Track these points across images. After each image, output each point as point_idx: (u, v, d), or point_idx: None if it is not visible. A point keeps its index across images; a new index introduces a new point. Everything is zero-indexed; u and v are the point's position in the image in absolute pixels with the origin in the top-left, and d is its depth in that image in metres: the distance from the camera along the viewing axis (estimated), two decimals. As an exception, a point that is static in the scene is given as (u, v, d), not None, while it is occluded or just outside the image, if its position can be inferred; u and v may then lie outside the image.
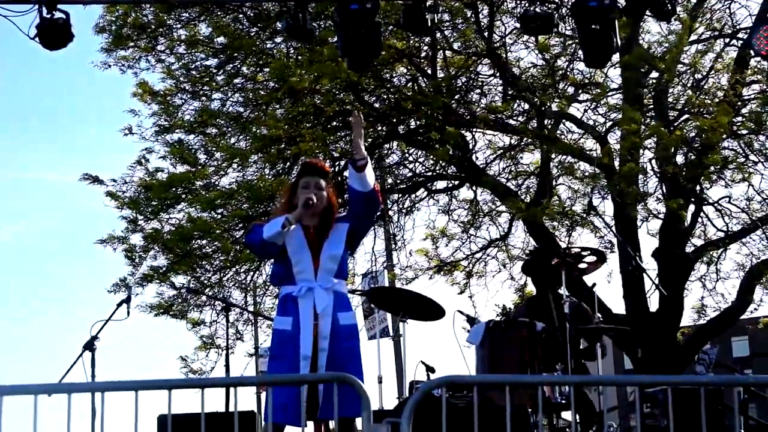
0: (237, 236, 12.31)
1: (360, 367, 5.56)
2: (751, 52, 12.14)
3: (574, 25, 10.37)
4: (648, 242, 13.07)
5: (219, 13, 12.60)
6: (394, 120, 12.58)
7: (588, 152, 12.71)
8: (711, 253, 13.21)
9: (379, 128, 12.88)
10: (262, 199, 12.00)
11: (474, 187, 13.70)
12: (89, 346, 7.51)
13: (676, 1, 11.55)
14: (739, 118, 12.70)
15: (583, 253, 7.92)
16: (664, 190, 12.77)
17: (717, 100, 12.37)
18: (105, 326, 7.69)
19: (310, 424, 5.60)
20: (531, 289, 13.23)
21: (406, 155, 13.84)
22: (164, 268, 12.45)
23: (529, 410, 6.41)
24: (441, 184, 13.96)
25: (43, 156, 58.29)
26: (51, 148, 57.53)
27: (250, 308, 13.44)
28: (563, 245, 12.43)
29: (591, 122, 13.03)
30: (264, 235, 5.51)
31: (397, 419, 4.56)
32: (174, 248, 12.15)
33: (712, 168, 12.22)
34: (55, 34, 7.47)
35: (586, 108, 13.05)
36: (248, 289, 13.39)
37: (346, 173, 12.59)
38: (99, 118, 52.04)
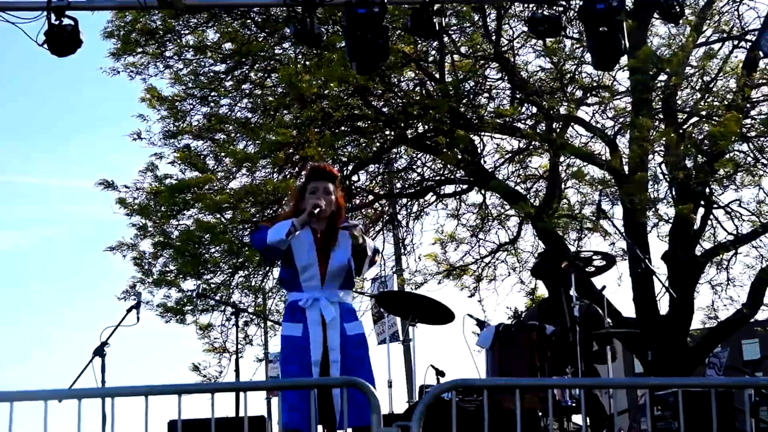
0: (244, 240, 12.28)
1: (371, 374, 5.55)
2: (760, 53, 12.12)
3: (582, 28, 10.34)
4: (658, 245, 13.08)
5: (227, 18, 12.62)
6: (402, 124, 12.56)
7: (597, 155, 12.68)
8: (721, 255, 13.17)
9: (387, 133, 12.87)
10: (269, 203, 12.01)
11: (483, 191, 13.68)
12: (99, 351, 7.53)
13: (685, 4, 11.55)
14: (749, 121, 12.66)
15: (593, 257, 7.91)
16: (674, 194, 12.73)
17: (726, 102, 12.34)
18: (115, 332, 7.72)
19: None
20: (541, 292, 13.22)
21: (415, 159, 13.83)
22: (173, 272, 12.44)
23: (540, 413, 6.39)
24: (449, 189, 13.95)
25: (45, 159, 58.46)
26: (52, 150, 57.70)
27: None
28: (573, 249, 12.39)
29: (599, 125, 13.01)
30: (268, 239, 5.48)
31: (408, 423, 4.55)
32: (182, 250, 12.14)
33: (722, 172, 12.19)
34: (63, 41, 7.44)
35: (595, 111, 13.03)
36: (257, 293, 13.37)
37: (354, 177, 12.61)
38: (102, 121, 52.24)
